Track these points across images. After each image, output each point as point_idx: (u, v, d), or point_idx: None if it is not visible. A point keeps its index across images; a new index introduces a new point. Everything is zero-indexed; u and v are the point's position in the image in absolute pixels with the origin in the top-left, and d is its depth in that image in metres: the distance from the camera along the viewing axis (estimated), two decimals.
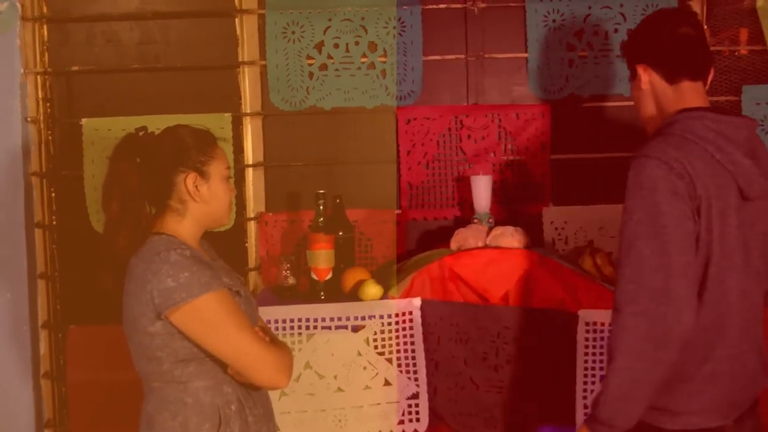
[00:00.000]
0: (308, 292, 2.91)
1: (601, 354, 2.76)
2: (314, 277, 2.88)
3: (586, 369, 2.77)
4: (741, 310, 2.03)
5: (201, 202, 2.09)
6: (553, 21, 3.26)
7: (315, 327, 2.77)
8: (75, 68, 3.26)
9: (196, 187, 2.07)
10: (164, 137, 2.11)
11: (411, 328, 2.78)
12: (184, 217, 2.09)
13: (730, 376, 2.03)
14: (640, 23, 2.26)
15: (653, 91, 2.17)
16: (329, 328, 2.77)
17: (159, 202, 2.11)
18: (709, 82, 2.19)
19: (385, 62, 3.26)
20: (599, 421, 1.96)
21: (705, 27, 3.13)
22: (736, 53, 3.21)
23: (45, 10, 3.24)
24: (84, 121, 3.18)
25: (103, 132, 3.15)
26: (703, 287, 1.96)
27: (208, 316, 1.94)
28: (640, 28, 2.25)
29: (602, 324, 2.74)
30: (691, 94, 2.13)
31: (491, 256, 2.81)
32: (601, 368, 2.76)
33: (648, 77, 2.16)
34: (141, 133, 2.12)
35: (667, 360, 1.89)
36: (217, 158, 2.12)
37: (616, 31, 3.26)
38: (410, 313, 2.78)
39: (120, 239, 2.04)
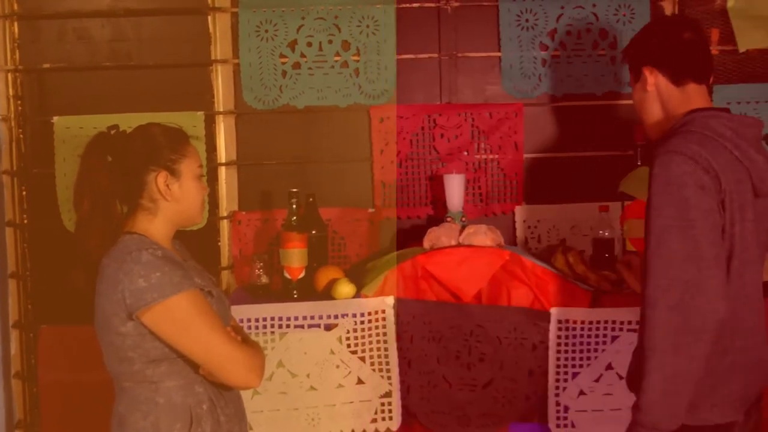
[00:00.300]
0: (281, 291, 2.91)
1: (573, 352, 2.78)
2: (287, 275, 2.88)
3: (558, 367, 2.79)
4: (755, 303, 2.08)
5: (172, 201, 2.08)
6: (526, 20, 3.27)
7: (288, 326, 2.77)
8: (46, 66, 3.24)
9: (167, 185, 2.06)
10: (135, 136, 2.10)
11: (384, 326, 2.78)
12: (156, 216, 2.08)
13: (746, 369, 2.07)
14: (644, 28, 2.30)
15: (659, 93, 2.20)
16: (302, 326, 2.77)
17: (130, 201, 2.10)
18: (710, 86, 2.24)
19: (358, 61, 3.26)
20: (644, 425, 1.95)
21: None
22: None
23: (16, 7, 3.22)
24: (55, 119, 3.17)
25: (74, 130, 3.14)
26: (726, 280, 1.99)
27: (180, 317, 1.94)
28: (645, 31, 2.29)
29: (574, 322, 2.76)
30: (697, 96, 2.18)
31: (464, 254, 2.82)
32: (573, 366, 2.78)
33: (654, 79, 2.20)
34: (113, 132, 2.11)
35: (704, 351, 1.91)
36: (188, 156, 2.11)
37: (588, 30, 3.27)
38: (383, 311, 2.78)
39: (91, 238, 2.03)
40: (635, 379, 2.11)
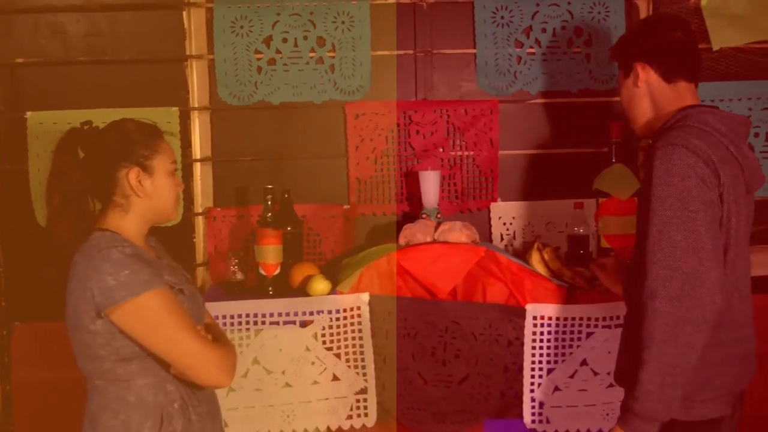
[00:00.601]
0: (256, 287, 2.91)
1: (548, 348, 2.79)
2: (262, 272, 2.87)
3: (533, 363, 2.80)
4: (746, 295, 2.12)
5: (145, 198, 2.07)
6: (502, 17, 3.28)
7: (263, 322, 2.76)
8: (20, 60, 3.21)
9: (140, 182, 2.05)
10: (107, 132, 2.08)
11: (359, 323, 2.78)
12: (129, 213, 2.07)
13: (737, 361, 2.10)
14: (636, 25, 2.35)
15: (649, 90, 2.23)
16: (277, 323, 2.77)
17: (103, 198, 2.08)
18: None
19: (333, 57, 3.26)
20: (638, 415, 1.97)
21: None
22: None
23: None
24: (29, 114, 3.14)
25: (48, 125, 3.12)
26: (723, 272, 2.01)
27: (149, 315, 1.92)
28: (637, 28, 2.32)
29: (549, 318, 2.78)
30: (689, 94, 2.21)
31: (439, 251, 2.82)
32: (549, 362, 2.80)
33: (645, 75, 2.22)
34: (85, 128, 2.09)
35: (702, 342, 1.93)
36: (161, 152, 2.10)
37: (563, 28, 3.29)
38: (358, 308, 2.78)
39: (61, 235, 2.01)
40: (624, 372, 2.14)
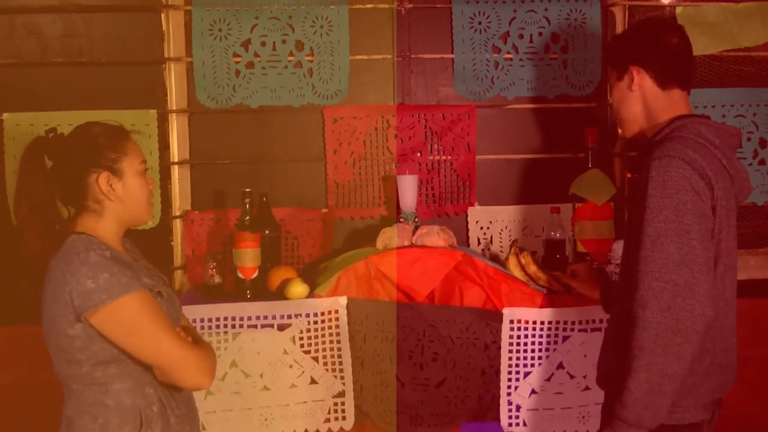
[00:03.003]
0: (234, 290, 2.90)
1: (525, 351, 2.80)
2: (240, 275, 2.87)
3: (510, 366, 2.81)
4: (732, 306, 2.14)
5: (117, 201, 2.05)
6: (479, 23, 3.29)
7: (241, 326, 2.76)
8: None
9: (110, 185, 2.04)
10: (73, 138, 2.07)
11: (337, 326, 2.79)
12: (102, 217, 2.06)
13: (721, 369, 2.12)
14: (633, 27, 2.31)
15: (643, 95, 2.22)
16: (255, 326, 2.76)
17: (75, 204, 2.07)
18: None
19: (312, 61, 3.26)
20: (626, 422, 1.99)
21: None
22: None
23: None
24: (5, 116, 3.12)
25: (24, 127, 3.10)
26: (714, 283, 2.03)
27: (128, 318, 1.92)
28: (635, 30, 2.29)
29: (526, 322, 2.79)
30: (682, 102, 2.21)
31: (417, 255, 2.83)
32: (525, 365, 2.81)
33: (640, 80, 2.21)
34: (50, 135, 2.07)
35: (692, 353, 1.94)
36: (129, 154, 2.08)
37: (540, 34, 3.31)
38: (336, 311, 2.78)
39: (30, 242, 1.99)
40: (609, 378, 2.15)
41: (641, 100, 2.22)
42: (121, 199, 2.06)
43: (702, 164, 1.99)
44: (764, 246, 3.36)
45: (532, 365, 2.82)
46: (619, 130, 2.34)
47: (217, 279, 2.98)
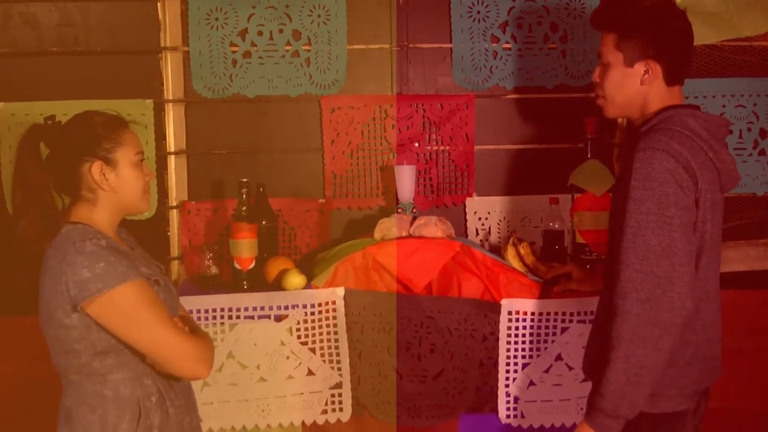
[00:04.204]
0: (231, 281, 2.89)
1: (524, 343, 2.79)
2: (237, 266, 2.86)
3: (508, 357, 2.80)
4: (715, 298, 2.14)
5: (110, 191, 2.04)
6: (478, 12, 3.28)
7: (238, 317, 2.75)
8: None
9: (104, 175, 2.02)
10: (69, 126, 2.06)
11: (334, 317, 2.77)
12: (96, 206, 2.04)
13: (704, 361, 2.12)
14: (654, 14, 2.15)
15: (648, 88, 2.16)
16: (252, 317, 2.75)
17: (70, 192, 2.06)
18: None
19: (309, 50, 3.24)
20: (604, 411, 2.00)
21: None
22: None
23: None
24: (0, 105, 3.10)
25: (20, 117, 3.08)
26: (695, 276, 2.03)
27: (125, 308, 1.91)
28: (656, 20, 2.15)
29: (524, 313, 2.78)
30: (676, 93, 2.20)
31: (415, 245, 2.82)
32: (523, 357, 2.80)
33: (654, 75, 2.14)
34: (49, 123, 2.06)
35: (670, 345, 1.95)
36: (124, 144, 2.06)
37: (539, 24, 3.29)
38: (333, 302, 2.77)
39: (24, 231, 1.98)
40: (594, 366, 2.15)
41: (644, 92, 2.17)
42: (114, 189, 2.04)
43: (687, 157, 1.99)
44: (764, 237, 3.34)
45: (531, 356, 2.81)
46: (604, 107, 2.26)
47: (214, 270, 2.98)
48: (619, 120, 3.21)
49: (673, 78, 2.16)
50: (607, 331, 2.01)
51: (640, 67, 2.15)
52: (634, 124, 2.24)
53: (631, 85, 2.18)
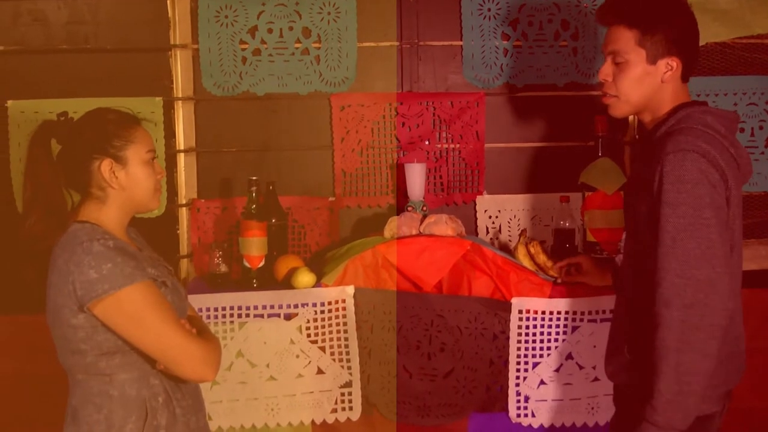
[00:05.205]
0: (240, 279, 2.89)
1: (534, 342, 2.78)
2: (246, 264, 2.85)
3: (519, 357, 2.79)
4: (738, 293, 2.11)
5: (120, 189, 2.03)
6: (488, 10, 3.26)
7: (247, 315, 2.74)
8: (0, 48, 3.16)
9: (113, 173, 2.01)
10: (81, 123, 2.05)
11: (344, 316, 2.77)
12: (106, 204, 2.03)
13: (731, 359, 2.10)
14: (671, 6, 2.12)
15: (667, 86, 2.13)
16: (261, 316, 2.75)
17: (80, 190, 2.06)
18: None
19: (319, 48, 3.23)
20: (656, 425, 1.96)
21: None
22: None
23: None
24: (10, 103, 3.10)
25: (29, 114, 3.08)
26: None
27: (132, 309, 1.90)
28: (679, 16, 2.13)
29: (535, 312, 2.77)
30: (687, 91, 2.18)
31: (425, 244, 2.81)
32: (534, 356, 2.79)
33: (676, 73, 2.12)
34: (61, 119, 2.05)
35: (717, 348, 1.92)
36: (135, 142, 2.05)
37: (550, 21, 3.28)
38: (343, 301, 2.77)
39: (32, 227, 1.97)
40: (620, 369, 2.16)
41: (662, 90, 2.13)
42: (124, 188, 2.03)
43: (715, 155, 1.96)
44: None
45: (541, 356, 2.80)
46: (615, 106, 2.20)
47: (224, 268, 2.97)
48: (630, 118, 3.19)
49: (688, 74, 2.14)
50: (650, 341, 1.97)
51: (662, 65, 2.12)
52: (644, 124, 2.21)
53: (652, 83, 2.13)
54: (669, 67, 2.11)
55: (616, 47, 2.16)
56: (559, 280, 2.82)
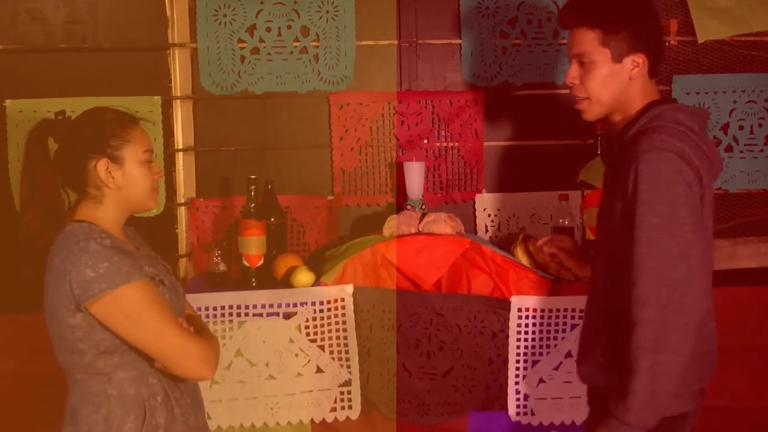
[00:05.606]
0: (239, 278, 2.89)
1: (533, 340, 2.78)
2: (245, 263, 2.85)
3: (518, 355, 2.79)
4: (709, 291, 2.08)
5: (116, 189, 2.02)
6: (487, 8, 3.26)
7: (246, 314, 2.74)
8: None
9: (109, 173, 2.01)
10: (77, 122, 2.05)
11: (343, 315, 2.77)
12: (102, 204, 2.03)
13: (703, 356, 2.09)
14: (632, 4, 2.12)
15: (635, 83, 2.12)
16: (261, 315, 2.75)
17: (77, 189, 2.05)
18: None
19: (317, 47, 3.23)
20: (629, 424, 1.94)
21: None
22: (667, 44, 3.25)
23: None
24: (8, 102, 3.11)
25: (27, 114, 3.09)
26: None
27: (129, 308, 1.89)
28: (640, 12, 2.12)
29: (534, 310, 2.77)
30: (655, 88, 2.17)
31: (424, 242, 2.81)
32: (533, 354, 2.79)
33: (642, 68, 2.11)
34: (59, 118, 2.05)
35: (690, 347, 1.91)
36: (132, 142, 2.04)
37: (549, 19, 3.27)
38: (342, 299, 2.77)
39: (29, 225, 1.97)
40: (595, 374, 2.16)
41: (630, 87, 2.12)
42: (120, 187, 2.02)
43: (689, 154, 1.95)
44: None
45: (540, 354, 2.80)
46: (588, 110, 2.19)
47: (222, 267, 2.97)
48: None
49: (654, 70, 2.14)
50: (624, 340, 1.97)
51: (628, 62, 2.11)
52: (615, 124, 2.19)
53: (620, 82, 2.12)
54: (635, 63, 2.10)
55: (580, 49, 2.15)
56: (553, 267, 2.80)
